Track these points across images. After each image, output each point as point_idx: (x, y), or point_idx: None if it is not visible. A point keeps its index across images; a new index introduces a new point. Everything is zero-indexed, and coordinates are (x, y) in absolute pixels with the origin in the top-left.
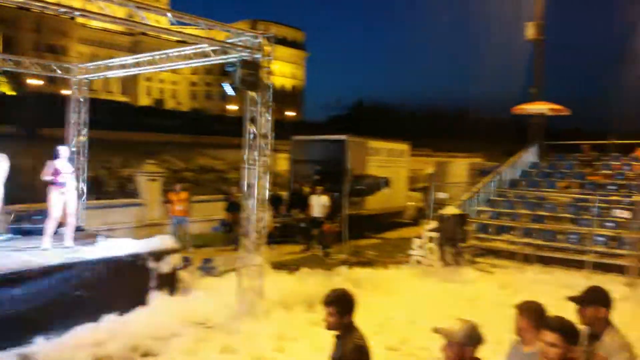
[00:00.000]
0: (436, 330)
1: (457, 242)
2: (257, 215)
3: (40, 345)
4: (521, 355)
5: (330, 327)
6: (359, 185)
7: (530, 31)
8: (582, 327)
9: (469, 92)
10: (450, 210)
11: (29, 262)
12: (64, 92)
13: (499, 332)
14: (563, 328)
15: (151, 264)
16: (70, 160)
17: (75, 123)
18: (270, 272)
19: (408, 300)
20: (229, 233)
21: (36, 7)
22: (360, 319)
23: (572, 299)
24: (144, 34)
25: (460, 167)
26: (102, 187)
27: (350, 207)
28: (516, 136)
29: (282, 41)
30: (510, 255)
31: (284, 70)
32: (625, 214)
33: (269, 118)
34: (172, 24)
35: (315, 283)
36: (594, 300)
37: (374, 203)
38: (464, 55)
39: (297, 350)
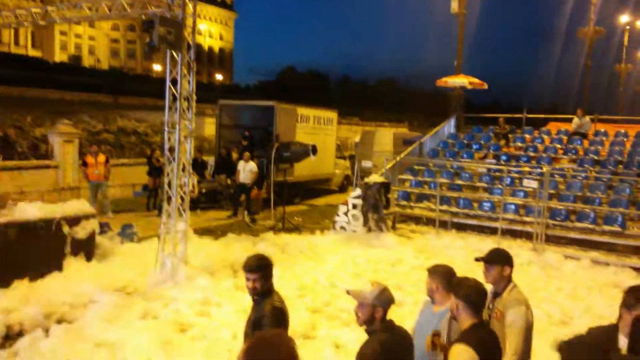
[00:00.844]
0: (348, 292)
1: (380, 209)
2: (179, 180)
3: None
4: (431, 314)
5: (253, 293)
6: (286, 152)
7: (454, 4)
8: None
9: (398, 63)
10: (374, 178)
11: None
12: None
13: (416, 293)
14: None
15: (66, 229)
16: None
17: None
18: (195, 238)
19: (332, 265)
20: (151, 198)
21: None
22: (285, 282)
23: (479, 259)
24: None
25: (385, 136)
26: (12, 147)
27: (277, 173)
28: (440, 108)
29: (210, 0)
30: (428, 222)
31: (212, 31)
32: (534, 184)
33: (192, 80)
34: None
35: (241, 249)
36: (498, 260)
37: (302, 170)
38: (396, 26)
39: (221, 314)
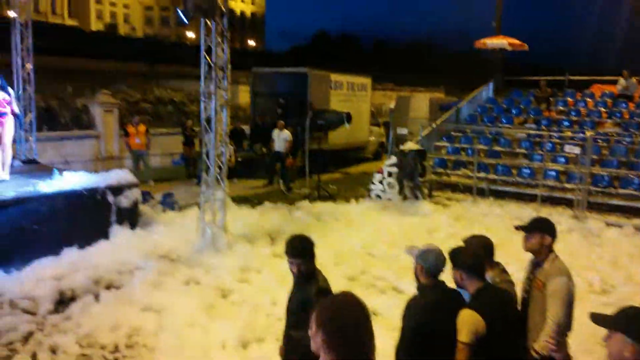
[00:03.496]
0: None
1: (415, 177)
2: (216, 150)
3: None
4: None
5: (297, 276)
6: (320, 120)
7: None
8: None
9: (433, 25)
10: (409, 145)
11: None
12: (10, 13)
13: None
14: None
15: (111, 198)
16: (3, 88)
17: (19, 49)
18: (233, 206)
19: (367, 233)
20: (189, 167)
21: None
22: (321, 250)
23: (519, 227)
24: None
25: (421, 102)
26: (55, 118)
27: (312, 142)
28: (477, 71)
29: None
30: (465, 190)
31: None
32: (576, 150)
33: (226, 48)
34: None
35: (278, 217)
36: (539, 229)
37: (336, 138)
38: None
39: (260, 281)
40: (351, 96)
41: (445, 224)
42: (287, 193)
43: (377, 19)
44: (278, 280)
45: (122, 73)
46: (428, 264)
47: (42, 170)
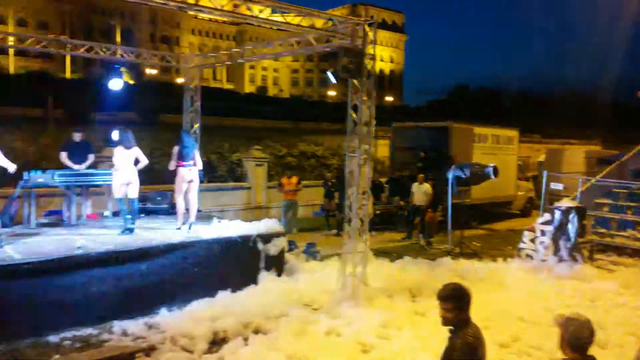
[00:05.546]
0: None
1: (574, 237)
2: (358, 202)
3: (163, 316)
4: None
5: (446, 323)
6: (464, 174)
7: None
8: None
9: (583, 75)
10: (566, 202)
11: (153, 239)
12: (179, 80)
13: (623, 335)
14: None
15: (260, 245)
16: (191, 145)
17: (189, 110)
18: (372, 259)
19: (518, 296)
20: (329, 218)
21: (156, 4)
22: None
23: None
24: (248, 23)
25: (575, 155)
26: (214, 171)
27: (454, 195)
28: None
29: (382, 24)
30: (635, 253)
31: (382, 54)
32: None
33: (371, 106)
34: (274, 12)
35: (418, 272)
36: None
37: (480, 192)
38: (576, 34)
39: (402, 339)
40: (496, 149)
41: (611, 291)
42: (427, 248)
43: (519, 71)
44: (420, 339)
45: (270, 129)
46: (569, 335)
47: (203, 217)
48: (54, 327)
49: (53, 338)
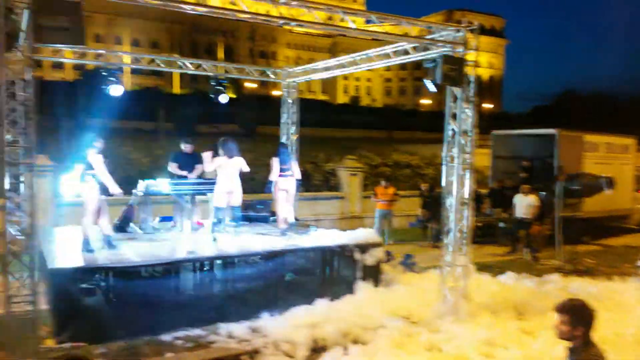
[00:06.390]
0: None
1: None
2: (459, 213)
3: (265, 321)
4: None
5: (561, 336)
6: (575, 185)
7: None
8: None
9: None
10: None
11: (255, 246)
12: (275, 93)
13: None
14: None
15: (357, 255)
16: (288, 156)
17: (286, 122)
18: (473, 273)
19: (637, 318)
20: (425, 230)
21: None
22: None
23: None
24: (342, 35)
25: None
26: (309, 180)
27: (564, 208)
28: None
29: (480, 30)
30: None
31: (480, 59)
32: None
33: (471, 114)
34: (369, 22)
35: (524, 289)
36: None
37: (593, 205)
38: None
39: (508, 358)
40: (610, 159)
41: None
42: (533, 263)
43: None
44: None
45: (363, 139)
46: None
47: (300, 226)
48: (168, 327)
49: (166, 337)
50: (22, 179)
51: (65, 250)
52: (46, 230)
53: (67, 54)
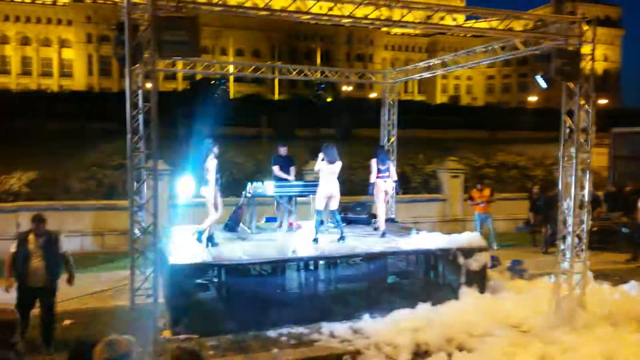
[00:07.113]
0: None
1: None
2: (575, 218)
3: (367, 322)
4: None
5: None
6: None
7: None
8: None
9: None
10: None
11: (356, 247)
12: (372, 95)
13: None
14: None
15: (461, 260)
16: (386, 157)
17: (386, 124)
18: (590, 281)
19: None
20: (534, 234)
21: (364, 25)
22: None
23: None
24: (441, 33)
25: None
26: (408, 182)
27: None
28: None
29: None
30: None
31: (596, 52)
32: None
33: (590, 111)
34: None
35: None
36: None
37: None
38: None
39: None
40: None
41: None
42: None
43: None
44: None
45: (464, 140)
46: None
47: (401, 229)
48: (273, 323)
49: (271, 333)
50: (144, 182)
51: (180, 247)
52: (164, 229)
53: (180, 66)
